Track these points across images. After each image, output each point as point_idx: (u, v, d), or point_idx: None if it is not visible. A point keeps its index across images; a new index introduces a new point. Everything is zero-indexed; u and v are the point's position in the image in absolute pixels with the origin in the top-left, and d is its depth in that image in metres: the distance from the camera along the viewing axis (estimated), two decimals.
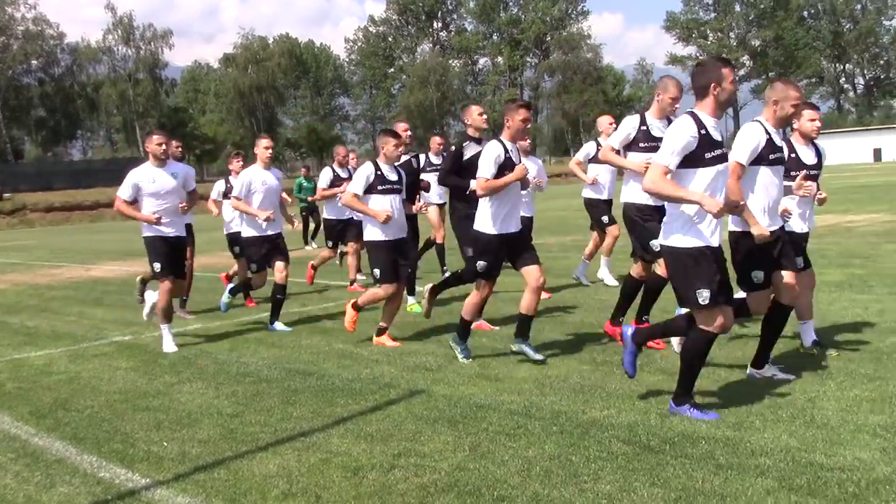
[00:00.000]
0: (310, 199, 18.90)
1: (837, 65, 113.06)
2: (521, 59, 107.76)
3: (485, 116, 8.12)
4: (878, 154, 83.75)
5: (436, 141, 11.86)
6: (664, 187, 4.87)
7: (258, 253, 8.86)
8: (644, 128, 6.96)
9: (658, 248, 6.25)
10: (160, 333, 8.31)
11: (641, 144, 6.93)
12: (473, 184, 7.24)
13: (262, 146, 8.90)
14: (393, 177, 7.72)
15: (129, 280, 14.86)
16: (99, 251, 22.84)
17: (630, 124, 7.06)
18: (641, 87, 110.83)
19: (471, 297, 6.91)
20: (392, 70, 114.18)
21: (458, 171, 7.88)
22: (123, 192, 8.03)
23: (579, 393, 5.75)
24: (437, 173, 8.90)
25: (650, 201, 6.70)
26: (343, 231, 11.80)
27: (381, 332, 7.89)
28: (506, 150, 6.65)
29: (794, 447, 4.47)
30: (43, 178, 63.96)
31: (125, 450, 5.10)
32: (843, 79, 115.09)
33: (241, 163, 11.12)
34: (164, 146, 8.02)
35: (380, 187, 7.60)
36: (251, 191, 8.77)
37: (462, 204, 8.07)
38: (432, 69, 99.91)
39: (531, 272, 6.69)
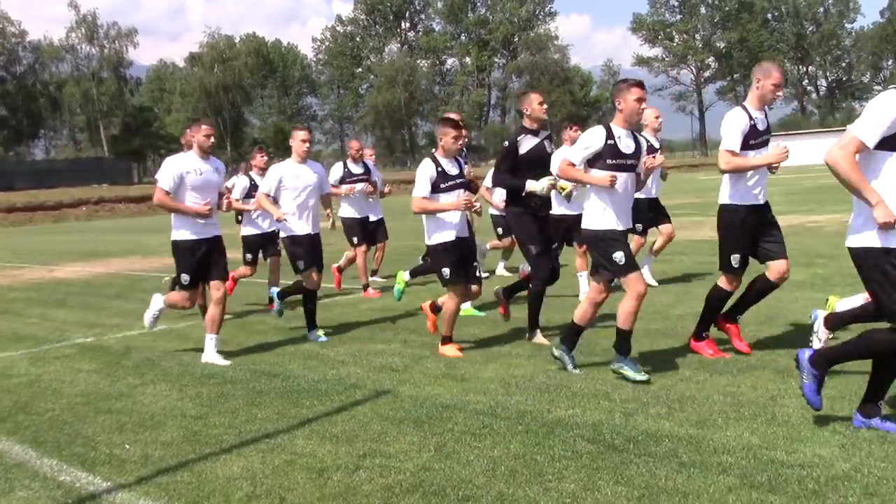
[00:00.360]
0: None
1: (801, 67, 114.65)
2: (489, 59, 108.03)
3: (545, 106, 7.30)
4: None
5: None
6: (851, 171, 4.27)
7: (302, 250, 8.04)
8: (751, 122, 6.13)
9: (738, 265, 6.24)
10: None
11: (751, 142, 6.13)
12: (531, 184, 6.89)
13: (299, 138, 8.03)
14: (454, 171, 7.07)
15: (93, 281, 14.72)
16: (62, 252, 22.54)
17: (739, 118, 6.13)
18: (608, 89, 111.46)
19: (622, 302, 6.05)
20: (360, 70, 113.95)
21: (515, 169, 7.11)
22: (165, 182, 7.25)
23: (545, 392, 5.77)
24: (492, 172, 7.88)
25: (751, 201, 6.18)
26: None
27: (445, 341, 7.24)
28: (610, 137, 5.99)
29: (756, 444, 4.52)
30: (5, 178, 63.13)
31: (86, 453, 5.03)
32: (807, 81, 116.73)
33: (265, 157, 10.24)
34: (211, 139, 7.37)
35: (443, 185, 6.97)
36: (281, 187, 8.01)
37: (519, 206, 7.22)
38: (400, 69, 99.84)
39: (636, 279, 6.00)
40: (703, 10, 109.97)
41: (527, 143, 7.12)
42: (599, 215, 6.07)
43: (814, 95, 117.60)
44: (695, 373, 6.08)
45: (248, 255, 10.12)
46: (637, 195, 9.42)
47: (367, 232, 11.28)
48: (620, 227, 6.09)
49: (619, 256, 5.96)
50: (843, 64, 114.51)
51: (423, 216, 7.11)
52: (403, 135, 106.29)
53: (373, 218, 11.35)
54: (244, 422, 5.50)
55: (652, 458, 4.41)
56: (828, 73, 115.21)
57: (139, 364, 7.46)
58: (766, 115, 6.30)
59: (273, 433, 5.23)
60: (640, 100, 5.99)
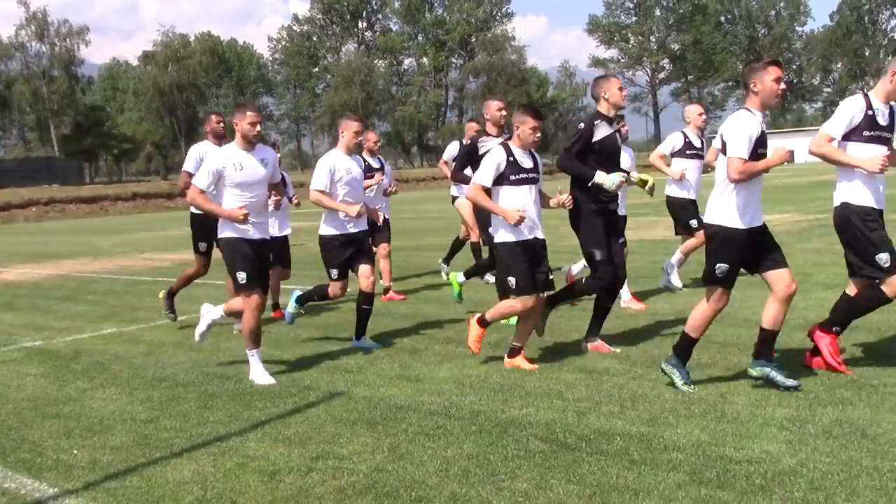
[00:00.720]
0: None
1: None
2: (447, 59, 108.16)
3: (625, 92, 6.86)
4: (790, 156, 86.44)
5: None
6: None
7: (341, 256, 7.35)
8: (870, 112, 5.61)
9: (888, 264, 5.57)
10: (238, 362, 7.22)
11: (866, 133, 5.62)
12: (601, 177, 6.40)
13: (352, 129, 7.34)
14: (528, 163, 6.37)
15: (42, 283, 14.43)
16: (10, 254, 22.07)
17: (854, 106, 5.66)
18: (565, 89, 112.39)
19: (701, 309, 5.58)
20: (316, 70, 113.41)
21: (584, 156, 6.55)
22: (201, 179, 6.53)
23: (499, 392, 5.79)
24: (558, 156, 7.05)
25: (874, 203, 5.73)
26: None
27: (514, 352, 6.57)
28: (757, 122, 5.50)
29: (706, 441, 4.58)
30: None
31: (33, 459, 4.93)
32: None
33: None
34: (258, 126, 6.64)
35: (513, 177, 6.29)
36: (335, 180, 7.26)
37: (586, 197, 6.60)
38: (357, 69, 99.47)
39: (781, 278, 5.53)
40: (657, 12, 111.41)
41: (601, 131, 6.57)
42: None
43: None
44: (647, 371, 6.14)
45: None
46: (683, 194, 9.38)
47: (390, 232, 10.47)
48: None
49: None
50: (794, 66, 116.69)
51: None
52: None
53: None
54: (195, 425, 5.44)
55: (604, 456, 4.45)
56: None
57: (88, 368, 7.33)
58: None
59: (225, 436, 5.17)
60: (778, 80, 5.40)
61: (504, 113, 8.34)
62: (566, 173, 6.62)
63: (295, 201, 9.54)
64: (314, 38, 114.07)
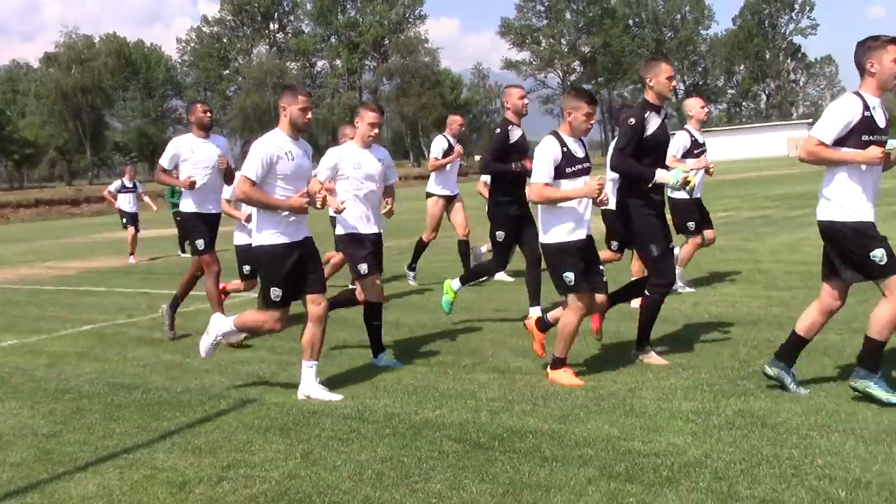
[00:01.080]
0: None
1: None
2: (360, 62, 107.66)
3: (674, 83, 6.20)
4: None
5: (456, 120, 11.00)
6: None
7: (362, 251, 6.60)
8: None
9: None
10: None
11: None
12: (662, 175, 5.89)
13: (368, 120, 6.57)
14: (580, 153, 5.84)
15: None
16: None
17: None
18: (478, 91, 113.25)
19: (886, 308, 4.84)
20: (227, 72, 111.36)
21: (636, 153, 5.97)
22: (251, 169, 5.70)
23: (413, 394, 5.79)
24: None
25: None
26: None
27: (558, 364, 5.93)
28: (866, 107, 4.93)
29: (615, 436, 4.66)
30: None
31: None
32: None
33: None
34: (309, 113, 5.90)
35: (569, 169, 5.73)
36: (339, 175, 6.59)
37: (635, 195, 6.08)
38: (269, 71, 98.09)
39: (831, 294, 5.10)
40: (568, 15, 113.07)
41: (653, 123, 5.99)
42: (854, 204, 4.97)
43: (672, 99, 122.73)
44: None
45: (246, 267, 8.39)
46: (683, 195, 8.34)
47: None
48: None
49: (879, 254, 4.87)
50: (700, 68, 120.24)
51: (539, 207, 5.90)
52: None
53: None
54: (101, 438, 5.28)
55: (516, 454, 4.49)
56: (686, 77, 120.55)
57: None
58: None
59: (132, 448, 5.03)
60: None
61: (526, 101, 7.95)
62: (623, 176, 6.09)
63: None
64: (224, 40, 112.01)
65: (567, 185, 5.72)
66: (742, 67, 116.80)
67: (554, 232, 5.79)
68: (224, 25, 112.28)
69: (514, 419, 5.09)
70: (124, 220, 18.18)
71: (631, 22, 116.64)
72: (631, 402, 5.26)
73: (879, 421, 4.61)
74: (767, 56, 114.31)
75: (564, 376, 5.84)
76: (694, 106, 8.87)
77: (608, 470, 4.16)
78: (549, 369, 5.96)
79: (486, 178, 10.04)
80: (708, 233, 9.14)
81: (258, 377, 6.61)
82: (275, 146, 5.76)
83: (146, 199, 18.83)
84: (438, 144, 10.88)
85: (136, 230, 17.92)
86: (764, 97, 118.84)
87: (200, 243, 8.09)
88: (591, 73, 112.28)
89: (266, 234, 5.81)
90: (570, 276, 5.73)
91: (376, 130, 6.63)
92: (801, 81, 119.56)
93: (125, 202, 18.20)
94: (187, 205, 8.14)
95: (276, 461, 4.63)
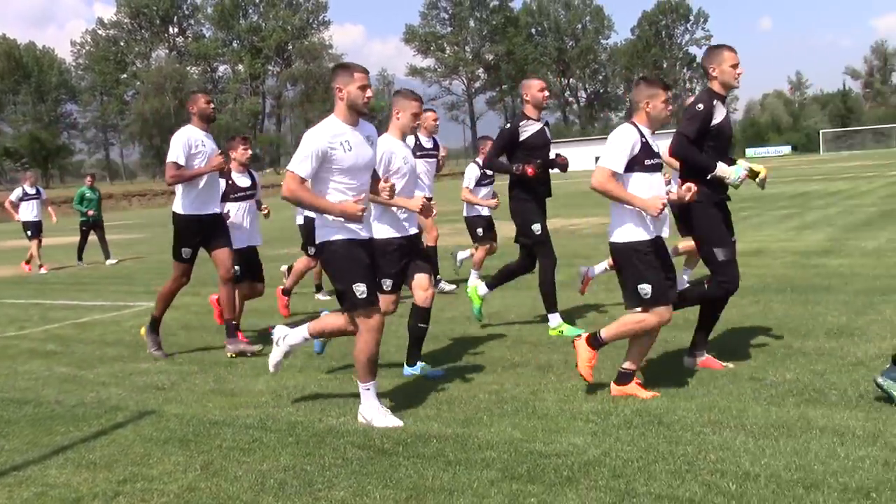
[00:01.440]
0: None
1: (563, 79, 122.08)
2: (263, 67, 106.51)
3: (740, 70, 5.75)
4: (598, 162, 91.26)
5: (430, 117, 9.85)
6: None
7: (397, 264, 5.91)
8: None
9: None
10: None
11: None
12: (723, 169, 5.62)
13: (412, 110, 5.96)
14: (656, 147, 5.35)
15: None
16: None
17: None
18: (384, 98, 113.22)
19: None
20: (125, 76, 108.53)
21: (699, 142, 5.66)
22: (300, 166, 5.02)
23: (316, 402, 5.74)
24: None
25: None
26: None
27: (625, 378, 5.42)
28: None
29: (518, 438, 4.72)
30: None
31: None
32: (568, 92, 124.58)
33: (248, 152, 8.40)
34: (370, 90, 5.21)
35: (647, 161, 5.20)
36: (389, 171, 5.86)
37: (703, 188, 5.61)
38: (168, 76, 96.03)
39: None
40: (472, 23, 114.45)
41: (720, 112, 5.69)
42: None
43: (575, 106, 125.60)
44: (464, 372, 6.27)
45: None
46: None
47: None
48: None
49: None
50: (601, 77, 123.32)
51: (612, 202, 5.31)
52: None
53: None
54: None
55: (420, 458, 4.50)
56: (587, 86, 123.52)
57: None
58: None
59: (22, 465, 4.83)
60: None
61: (547, 94, 7.46)
62: (684, 162, 5.78)
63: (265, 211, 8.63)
64: (122, 43, 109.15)
65: (641, 180, 5.21)
66: (640, 76, 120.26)
67: (625, 230, 5.28)
68: (121, 28, 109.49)
69: (418, 424, 5.10)
70: (28, 233, 17.04)
71: (534, 31, 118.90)
72: (533, 405, 5.33)
73: (768, 417, 4.80)
74: (665, 65, 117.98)
75: (639, 389, 5.40)
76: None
77: (510, 471, 4.21)
78: (613, 384, 5.48)
79: (471, 184, 10.11)
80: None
81: (157, 387, 6.43)
82: (327, 138, 5.07)
83: (49, 208, 17.72)
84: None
85: (40, 241, 17.02)
86: None
87: (187, 252, 7.45)
88: (494, 80, 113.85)
89: (330, 230, 5.18)
90: (646, 288, 5.19)
91: (418, 122, 6.15)
92: (697, 90, 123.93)
93: (27, 211, 17.13)
94: (187, 206, 7.42)
95: (174, 474, 4.52)
